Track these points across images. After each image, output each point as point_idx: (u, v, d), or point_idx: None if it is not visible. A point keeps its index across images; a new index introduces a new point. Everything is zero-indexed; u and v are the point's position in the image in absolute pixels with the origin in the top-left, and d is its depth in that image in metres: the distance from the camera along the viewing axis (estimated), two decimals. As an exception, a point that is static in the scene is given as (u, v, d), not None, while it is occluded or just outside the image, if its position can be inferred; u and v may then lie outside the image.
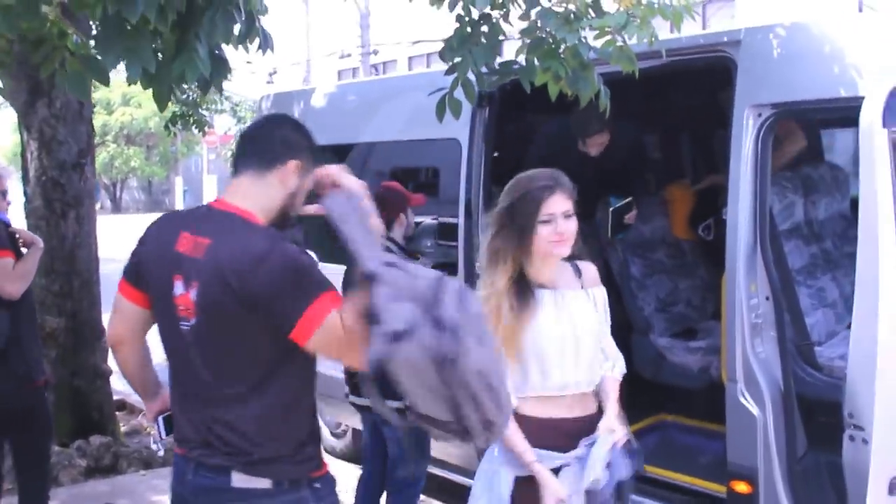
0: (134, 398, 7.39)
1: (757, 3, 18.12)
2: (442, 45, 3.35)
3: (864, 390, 2.69)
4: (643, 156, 5.26)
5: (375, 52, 24.91)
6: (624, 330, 4.34)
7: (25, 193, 5.77)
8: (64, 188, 5.61)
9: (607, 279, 4.94)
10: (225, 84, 3.21)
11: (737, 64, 3.57)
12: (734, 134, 3.53)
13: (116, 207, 39.80)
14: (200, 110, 8.10)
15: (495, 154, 4.60)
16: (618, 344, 3.92)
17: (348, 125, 5.54)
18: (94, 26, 4.04)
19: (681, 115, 5.53)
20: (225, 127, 33.52)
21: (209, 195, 38.01)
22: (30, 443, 3.95)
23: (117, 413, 6.34)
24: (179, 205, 40.00)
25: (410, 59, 27.29)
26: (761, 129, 3.47)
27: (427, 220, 5.06)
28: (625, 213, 4.60)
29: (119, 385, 6.63)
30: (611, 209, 4.55)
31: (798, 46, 3.46)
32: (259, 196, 2.23)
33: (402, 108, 5.14)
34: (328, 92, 5.95)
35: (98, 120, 30.46)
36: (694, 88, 4.76)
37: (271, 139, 2.27)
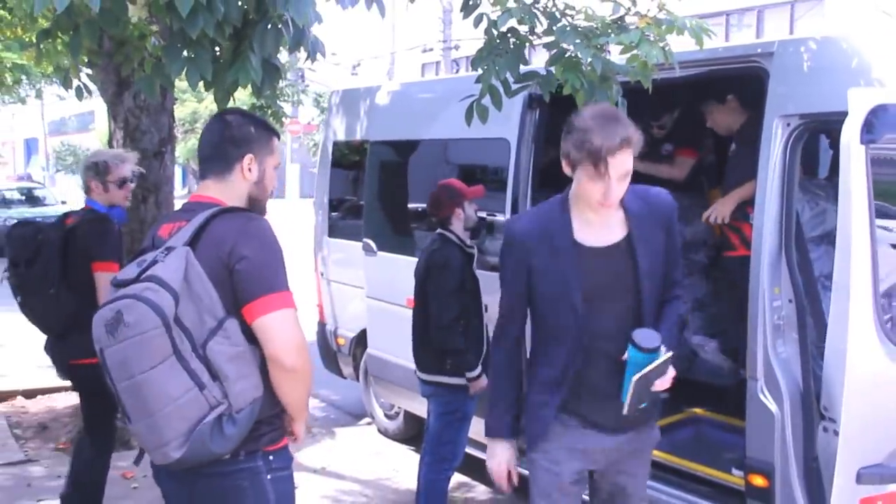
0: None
1: (846, 3, 17.79)
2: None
3: (836, 384, 2.85)
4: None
5: (457, 48, 25.24)
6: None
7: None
8: (145, 175, 6.03)
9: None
10: (309, 75, 3.53)
11: (769, 74, 3.72)
12: (763, 142, 3.67)
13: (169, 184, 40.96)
14: (278, 102, 8.50)
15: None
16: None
17: (411, 122, 5.81)
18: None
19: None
20: (309, 117, 34.36)
21: (291, 183, 38.98)
22: (98, 404, 4.22)
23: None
24: (263, 191, 40.90)
25: (492, 53, 27.51)
26: (790, 139, 3.61)
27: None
28: (654, 378, 2.68)
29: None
30: (635, 379, 2.63)
31: (828, 60, 3.58)
32: (226, 192, 2.51)
33: (459, 107, 5.38)
34: (392, 90, 6.23)
35: (188, 107, 31.45)
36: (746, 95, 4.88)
37: (222, 142, 2.52)
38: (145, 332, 2.17)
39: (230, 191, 2.51)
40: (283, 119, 7.76)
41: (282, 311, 2.29)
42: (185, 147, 33.58)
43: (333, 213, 6.63)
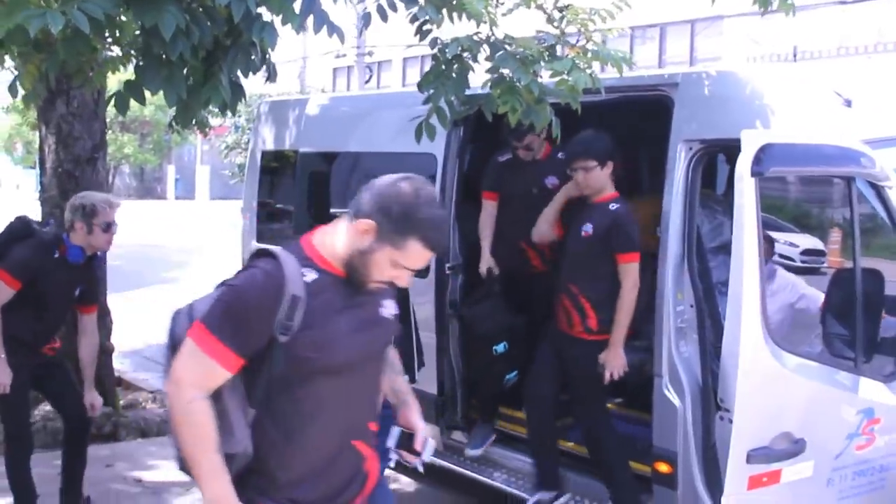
0: (130, 375, 7.93)
1: (742, 24, 18.80)
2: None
3: (730, 379, 3.30)
4: None
5: (370, 53, 25.46)
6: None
7: (41, 184, 6.31)
8: (78, 180, 6.13)
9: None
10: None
11: (674, 102, 4.14)
12: (669, 163, 4.09)
13: (109, 192, 40.08)
14: (204, 113, 8.59)
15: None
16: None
17: (339, 134, 6.08)
18: (114, 44, 4.58)
19: (639, 140, 6.09)
20: (220, 120, 34.04)
21: (201, 185, 38.49)
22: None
23: (116, 388, 6.88)
24: (171, 193, 40.42)
25: (405, 60, 27.90)
26: (691, 161, 4.03)
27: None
28: None
29: (117, 364, 7.17)
30: None
31: (725, 91, 4.01)
32: (335, 240, 2.29)
33: (387, 122, 5.69)
34: (321, 102, 6.50)
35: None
36: (650, 117, 5.33)
37: (367, 191, 2.29)
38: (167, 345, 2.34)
39: (333, 237, 2.32)
40: (207, 129, 7.87)
41: (188, 339, 2.23)
42: (116, 145, 32.79)
43: (261, 219, 6.84)
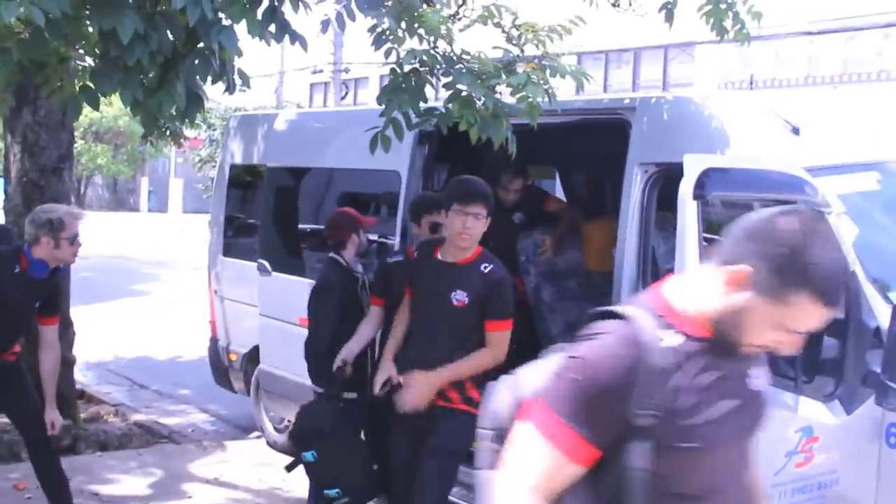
0: (93, 388, 7.90)
1: (714, 51, 19.11)
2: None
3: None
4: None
5: (347, 70, 25.57)
6: (532, 346, 4.96)
7: (6, 192, 6.31)
8: (42, 190, 6.14)
9: (521, 302, 5.61)
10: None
11: (631, 126, 4.25)
12: (625, 185, 4.19)
13: (80, 204, 39.76)
14: (176, 123, 8.63)
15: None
16: (526, 358, 4.53)
17: (306, 150, 6.16)
18: (86, 55, 4.64)
19: (602, 162, 6.21)
20: (194, 132, 33.93)
21: (174, 198, 38.31)
22: None
23: (77, 401, 6.84)
24: (144, 206, 40.22)
25: (382, 78, 28.03)
26: (647, 183, 4.14)
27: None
28: None
29: (80, 376, 7.15)
30: None
31: (678, 115, 4.13)
32: (697, 292, 1.82)
33: (354, 138, 5.76)
34: (290, 118, 6.58)
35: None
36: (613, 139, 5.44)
37: (736, 230, 1.78)
38: None
39: (694, 289, 1.83)
40: (182, 141, 7.92)
41: (526, 423, 1.80)
42: (89, 155, 32.45)
43: (228, 233, 6.88)
